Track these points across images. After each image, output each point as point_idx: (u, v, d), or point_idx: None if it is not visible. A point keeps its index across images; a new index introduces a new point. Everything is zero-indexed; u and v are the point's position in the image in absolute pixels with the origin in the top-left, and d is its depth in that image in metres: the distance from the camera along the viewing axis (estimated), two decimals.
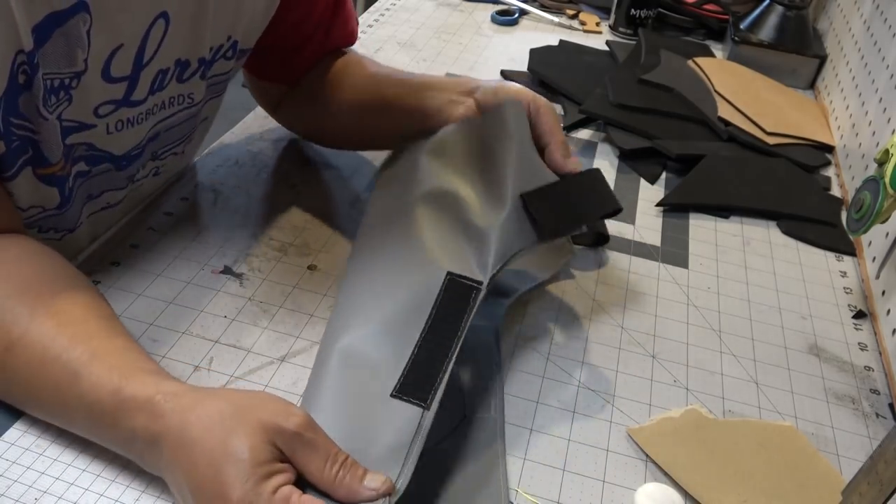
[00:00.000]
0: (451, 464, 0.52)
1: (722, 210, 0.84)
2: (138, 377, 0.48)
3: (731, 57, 1.15)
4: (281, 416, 0.45)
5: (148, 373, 0.49)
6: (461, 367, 0.59)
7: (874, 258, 0.75)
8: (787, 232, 0.82)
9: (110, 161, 0.63)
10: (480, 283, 0.55)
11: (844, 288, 0.75)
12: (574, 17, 1.30)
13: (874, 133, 0.85)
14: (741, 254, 0.78)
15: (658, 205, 0.83)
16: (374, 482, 0.45)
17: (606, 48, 1.17)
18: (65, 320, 0.50)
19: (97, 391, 0.47)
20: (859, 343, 0.68)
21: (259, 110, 0.91)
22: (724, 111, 0.98)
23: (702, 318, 0.69)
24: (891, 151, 0.65)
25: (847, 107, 0.98)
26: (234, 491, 0.42)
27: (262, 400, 0.47)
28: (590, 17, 1.30)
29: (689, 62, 1.09)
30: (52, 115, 0.55)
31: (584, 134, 0.96)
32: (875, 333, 0.69)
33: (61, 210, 0.61)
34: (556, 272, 0.70)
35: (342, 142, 0.82)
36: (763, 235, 0.81)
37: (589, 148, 0.93)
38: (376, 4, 1.28)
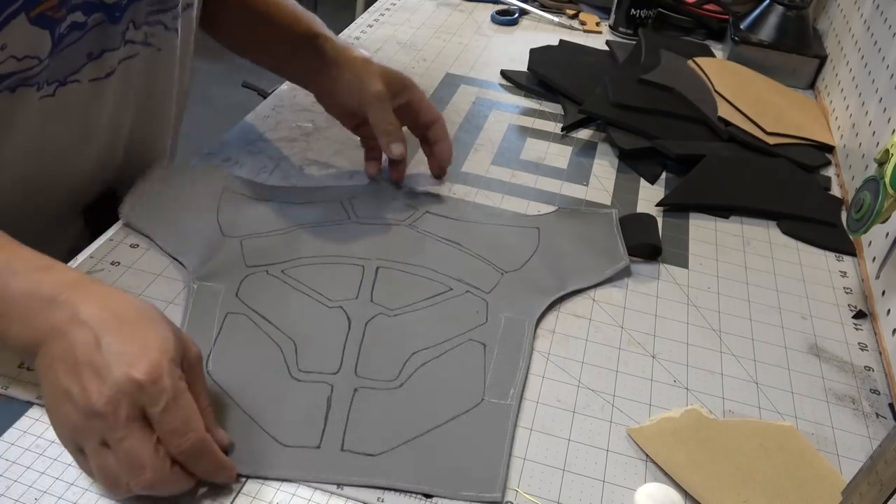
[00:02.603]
0: (456, 440, 0.54)
1: (722, 210, 0.84)
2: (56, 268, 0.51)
3: (731, 57, 1.15)
4: (188, 339, 0.49)
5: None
6: (489, 351, 0.61)
7: (874, 258, 0.75)
8: (787, 232, 0.82)
9: (101, 9, 0.64)
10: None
11: (844, 288, 0.75)
12: (574, 17, 1.30)
13: (874, 133, 0.85)
14: (741, 254, 0.78)
15: (658, 205, 0.83)
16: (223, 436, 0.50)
17: (606, 48, 1.17)
18: None
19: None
20: (859, 343, 0.68)
21: (259, 110, 0.92)
22: (724, 111, 0.98)
23: (702, 318, 0.69)
24: (891, 151, 0.65)
25: (847, 107, 0.98)
26: (156, 343, 0.46)
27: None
28: (590, 17, 1.30)
29: (689, 62, 1.09)
30: None
31: (584, 134, 0.96)
32: (875, 333, 0.69)
33: (53, 56, 0.61)
34: (602, 279, 0.70)
35: (230, 42, 0.84)
36: (763, 235, 0.81)
37: (589, 148, 0.93)
38: (376, 4, 1.28)
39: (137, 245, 0.68)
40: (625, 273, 0.73)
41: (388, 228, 0.72)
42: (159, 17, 0.71)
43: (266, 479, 0.50)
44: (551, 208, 0.80)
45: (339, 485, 0.50)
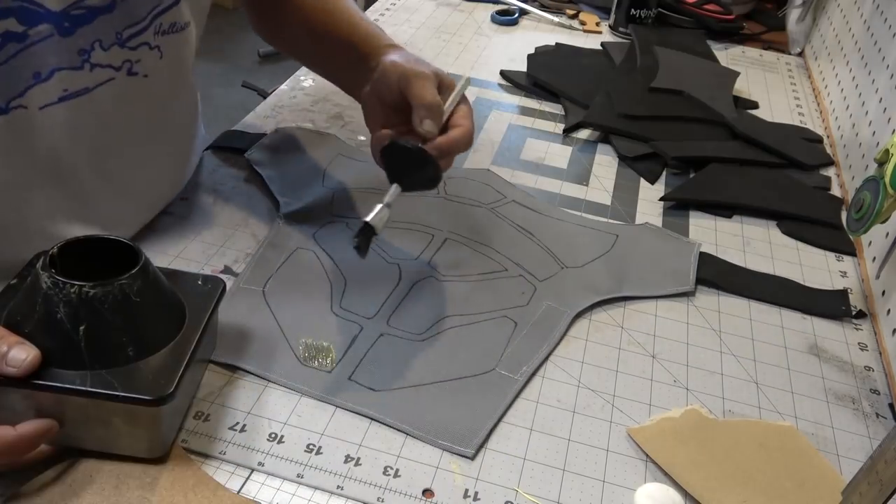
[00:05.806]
0: (455, 397, 0.57)
1: (724, 208, 0.84)
2: None
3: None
4: None
5: None
6: (518, 330, 0.63)
7: (874, 258, 0.75)
8: (787, 232, 0.82)
9: (48, 20, 0.54)
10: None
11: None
12: (574, 16, 1.30)
13: (874, 133, 0.85)
14: (741, 254, 0.78)
15: (662, 199, 0.83)
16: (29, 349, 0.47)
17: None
18: None
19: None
20: (859, 343, 0.68)
21: (259, 110, 0.92)
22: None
23: (702, 318, 0.69)
24: (891, 151, 0.65)
25: (847, 107, 0.98)
26: None
27: None
28: (590, 17, 1.30)
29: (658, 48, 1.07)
30: None
31: (584, 134, 0.96)
32: (875, 333, 0.69)
33: None
34: (661, 294, 0.70)
35: (292, 51, 0.82)
36: (763, 235, 0.81)
37: (589, 148, 0.93)
38: (376, 4, 1.28)
39: None
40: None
41: (470, 209, 0.76)
42: (141, 38, 0.61)
43: (276, 383, 0.56)
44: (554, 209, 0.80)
45: (336, 406, 0.55)
